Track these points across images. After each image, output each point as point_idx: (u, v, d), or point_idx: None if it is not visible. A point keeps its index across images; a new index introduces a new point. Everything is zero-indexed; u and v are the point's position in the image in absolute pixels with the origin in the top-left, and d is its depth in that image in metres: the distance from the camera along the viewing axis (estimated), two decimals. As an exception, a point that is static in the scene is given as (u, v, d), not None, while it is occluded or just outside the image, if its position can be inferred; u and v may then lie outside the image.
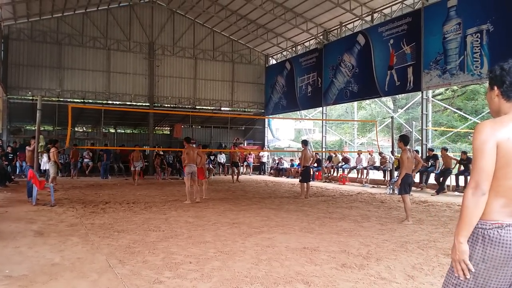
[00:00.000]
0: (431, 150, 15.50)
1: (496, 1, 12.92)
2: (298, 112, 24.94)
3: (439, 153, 15.35)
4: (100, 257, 5.19)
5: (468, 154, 14.79)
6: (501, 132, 1.96)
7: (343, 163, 19.59)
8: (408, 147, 8.47)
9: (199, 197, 11.02)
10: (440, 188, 13.96)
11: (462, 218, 2.00)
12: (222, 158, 23.87)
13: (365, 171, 18.06)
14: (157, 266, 4.80)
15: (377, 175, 18.29)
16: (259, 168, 25.15)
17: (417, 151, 15.57)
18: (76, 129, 24.36)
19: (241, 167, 19.36)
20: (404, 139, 8.49)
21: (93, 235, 6.54)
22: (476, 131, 2.00)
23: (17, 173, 18.20)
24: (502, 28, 12.63)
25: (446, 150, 14.89)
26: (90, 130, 25.95)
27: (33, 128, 19.07)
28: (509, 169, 1.94)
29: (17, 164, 18.52)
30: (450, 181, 14.56)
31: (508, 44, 12.45)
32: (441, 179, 14.18)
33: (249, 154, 24.57)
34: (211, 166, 22.14)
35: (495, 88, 2.15)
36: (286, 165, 23.65)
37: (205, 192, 11.92)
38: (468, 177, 13.96)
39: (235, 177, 18.47)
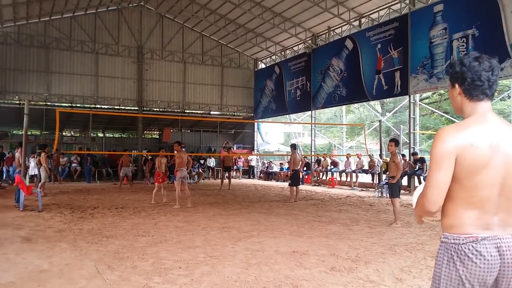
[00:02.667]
0: (415, 154, 15.68)
1: (481, 6, 13.12)
2: (287, 116, 25.01)
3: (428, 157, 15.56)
4: (88, 263, 5.16)
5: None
6: (463, 138, 1.81)
7: (332, 167, 19.69)
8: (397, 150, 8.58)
9: (190, 201, 10.99)
10: None
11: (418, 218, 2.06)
12: (211, 162, 23.85)
13: (353, 174, 18.18)
14: (147, 272, 4.78)
15: (366, 178, 18.41)
16: (248, 171, 25.16)
17: (403, 155, 15.78)
18: (64, 133, 24.14)
19: (232, 172, 19.14)
20: (396, 142, 8.61)
21: (82, 240, 6.50)
22: (436, 138, 1.86)
23: (4, 178, 17.98)
24: (487, 33, 12.84)
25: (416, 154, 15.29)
26: (78, 135, 25.74)
27: (20, 133, 18.87)
28: (479, 178, 1.80)
29: (4, 169, 18.30)
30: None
31: (493, 48, 12.65)
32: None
33: (239, 158, 24.57)
34: (200, 170, 22.14)
35: (456, 86, 1.95)
36: (276, 168, 23.69)
37: (165, 197, 11.98)
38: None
39: (225, 182, 17.73)
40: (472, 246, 1.81)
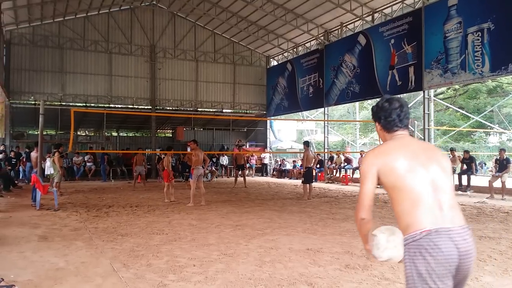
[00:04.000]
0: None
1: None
2: (300, 113, 24.94)
3: (445, 152, 15.40)
4: (104, 261, 5.21)
5: (470, 153, 14.81)
6: (382, 157, 2.20)
7: (346, 164, 19.58)
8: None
9: (204, 200, 11.02)
10: None
11: (360, 233, 2.31)
12: (224, 160, 23.89)
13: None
14: (161, 269, 4.81)
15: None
16: (261, 169, 25.16)
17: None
18: (78, 133, 24.41)
19: (245, 170, 19.09)
20: None
21: (97, 239, 6.56)
22: (363, 159, 2.29)
23: (20, 177, 18.26)
24: (503, 27, 12.62)
25: (455, 150, 15.05)
26: (92, 134, 26.01)
27: (36, 133, 19.14)
28: (408, 181, 2.10)
29: (20, 169, 18.57)
30: (453, 180, 14.54)
31: (510, 42, 12.45)
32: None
33: (252, 155, 24.57)
34: (213, 168, 22.20)
35: (377, 123, 2.38)
36: (289, 166, 23.65)
37: (173, 195, 12.04)
38: (471, 176, 14.02)
39: (239, 180, 17.72)
40: (428, 239, 1.98)
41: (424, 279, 1.98)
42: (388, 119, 2.29)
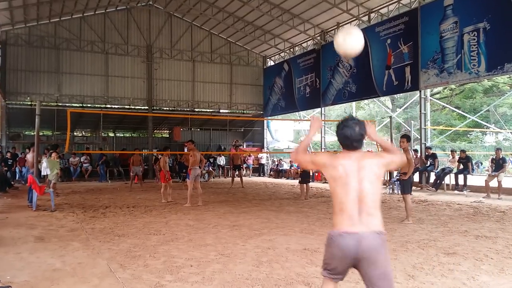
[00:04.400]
0: (429, 148, 15.56)
1: (492, -1, 12.97)
2: (296, 113, 24.95)
3: (442, 152, 15.46)
4: (101, 262, 5.20)
5: (467, 153, 14.87)
6: (332, 161, 2.81)
7: (343, 164, 19.57)
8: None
9: (201, 200, 11.01)
10: (437, 183, 14.07)
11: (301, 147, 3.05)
12: (221, 160, 23.88)
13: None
14: (158, 270, 4.81)
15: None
16: (259, 169, 25.16)
17: (416, 151, 15.67)
18: (75, 133, 24.34)
19: (242, 170, 19.06)
20: (408, 139, 8.51)
21: (94, 239, 6.55)
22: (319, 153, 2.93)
23: (17, 178, 18.20)
24: (499, 26, 12.68)
25: (455, 151, 15.13)
26: (89, 135, 25.95)
27: (32, 133, 19.07)
28: (340, 191, 2.74)
29: (17, 170, 18.52)
30: (450, 179, 14.59)
31: (505, 42, 12.50)
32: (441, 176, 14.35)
33: (249, 155, 24.57)
34: (210, 168, 22.19)
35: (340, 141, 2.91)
36: (286, 166, 23.66)
37: (170, 196, 12.00)
38: (468, 176, 14.07)
39: (236, 180, 17.63)
40: (338, 237, 2.71)
41: (327, 257, 2.83)
42: (343, 142, 2.85)
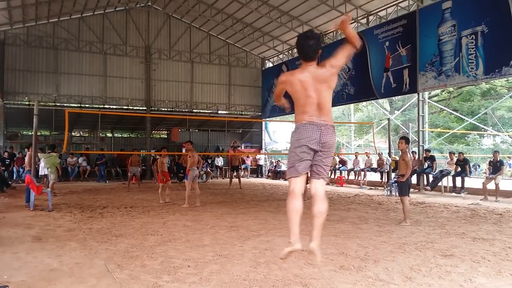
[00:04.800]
0: (428, 150, 15.59)
1: (491, 3, 13.01)
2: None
3: (439, 155, 15.49)
4: (98, 262, 5.19)
5: (464, 155, 14.91)
6: (290, 77, 3.70)
7: (341, 165, 19.63)
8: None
9: (199, 201, 11.01)
10: (434, 183, 14.10)
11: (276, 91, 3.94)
12: (219, 161, 23.88)
13: (362, 173, 18.10)
14: (156, 270, 4.80)
15: (375, 176, 18.33)
16: (257, 170, 25.16)
17: (414, 153, 15.70)
18: (73, 133, 24.32)
19: (240, 171, 19.05)
20: (407, 141, 8.50)
21: (91, 240, 6.54)
22: (280, 77, 3.77)
23: (14, 178, 18.17)
24: (497, 30, 12.72)
25: (453, 153, 15.16)
26: (87, 135, 25.92)
27: (30, 133, 19.06)
28: (299, 95, 3.54)
29: (14, 169, 18.49)
30: (447, 182, 14.62)
31: (503, 45, 12.54)
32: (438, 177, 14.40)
33: (247, 157, 24.57)
34: (208, 169, 22.18)
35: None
36: (284, 167, 23.65)
37: (168, 196, 12.00)
38: (465, 178, 14.11)
39: (234, 181, 17.61)
40: (306, 124, 3.54)
41: (294, 148, 3.59)
42: (300, 55, 3.60)
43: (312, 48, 3.58)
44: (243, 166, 24.02)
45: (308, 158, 3.58)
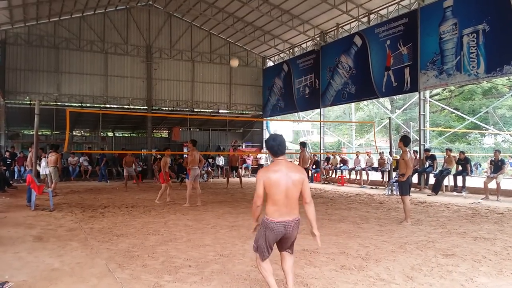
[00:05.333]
0: (428, 150, 15.55)
1: (492, 1, 12.97)
2: (296, 114, 24.95)
3: (440, 154, 15.40)
4: (99, 262, 5.20)
5: (465, 154, 14.86)
6: (266, 173, 3.81)
7: (342, 165, 19.61)
8: (407, 148, 8.45)
9: (200, 200, 11.01)
10: (436, 187, 14.02)
11: (252, 214, 3.97)
12: (220, 160, 23.87)
13: (363, 172, 18.08)
14: (157, 270, 4.80)
15: (376, 176, 18.31)
16: (258, 170, 25.10)
17: (415, 151, 15.68)
18: (74, 133, 24.33)
19: (240, 170, 19.04)
20: (405, 140, 8.44)
21: (92, 239, 6.54)
22: (257, 174, 3.90)
23: (16, 178, 18.18)
24: (498, 28, 12.69)
25: (451, 150, 15.00)
26: (88, 134, 25.93)
27: (31, 133, 19.06)
28: (274, 190, 3.74)
29: (15, 169, 18.51)
30: (448, 181, 14.60)
31: (505, 44, 12.51)
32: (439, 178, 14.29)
33: (248, 156, 24.56)
34: (209, 168, 22.17)
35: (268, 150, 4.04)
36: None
37: (170, 196, 12.00)
38: (467, 177, 14.07)
39: (232, 181, 17.84)
40: (272, 224, 3.77)
41: (263, 238, 3.83)
42: (270, 150, 3.92)
43: (283, 146, 3.93)
44: (244, 166, 24.04)
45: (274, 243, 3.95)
